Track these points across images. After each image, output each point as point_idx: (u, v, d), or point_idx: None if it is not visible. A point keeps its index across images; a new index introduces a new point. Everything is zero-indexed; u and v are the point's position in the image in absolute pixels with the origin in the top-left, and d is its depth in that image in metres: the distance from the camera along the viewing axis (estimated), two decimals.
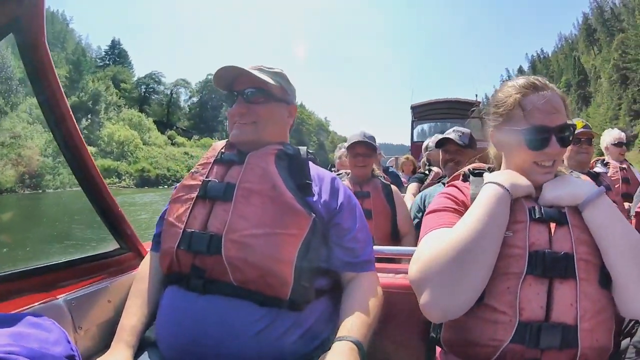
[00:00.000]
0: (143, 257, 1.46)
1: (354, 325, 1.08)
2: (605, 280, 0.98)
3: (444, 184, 2.58)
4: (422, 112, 12.83)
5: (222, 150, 1.37)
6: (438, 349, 1.22)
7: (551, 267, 0.97)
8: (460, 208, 1.14)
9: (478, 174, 1.25)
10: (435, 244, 1.01)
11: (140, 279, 1.35)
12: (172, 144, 73.29)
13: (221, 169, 1.31)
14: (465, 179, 1.28)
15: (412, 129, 12.86)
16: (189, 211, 1.22)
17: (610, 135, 4.17)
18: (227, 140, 1.43)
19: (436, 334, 1.16)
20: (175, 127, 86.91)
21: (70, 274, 1.34)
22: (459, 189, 1.23)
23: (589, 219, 1.03)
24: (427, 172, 3.87)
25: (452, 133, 2.57)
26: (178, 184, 1.37)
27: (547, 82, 1.12)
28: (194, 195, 1.25)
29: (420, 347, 1.40)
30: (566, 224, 1.03)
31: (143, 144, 61.89)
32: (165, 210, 1.35)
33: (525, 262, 0.97)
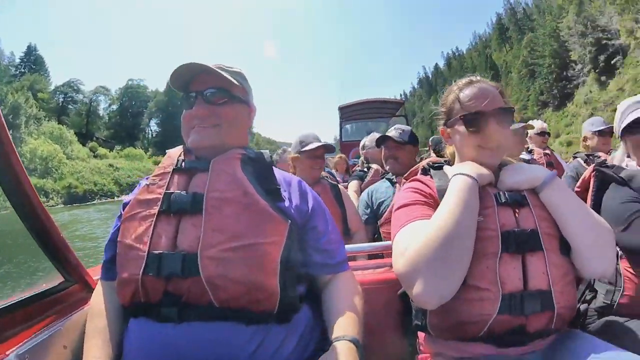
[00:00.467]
0: (92, 289, 1.30)
1: (347, 324, 1.07)
2: (565, 249, 1.14)
3: (389, 179, 2.75)
4: (349, 113, 13.34)
5: (180, 158, 1.27)
6: (422, 335, 1.29)
7: (522, 243, 1.10)
8: (429, 200, 1.21)
9: (438, 167, 1.34)
10: (419, 236, 1.06)
11: (96, 315, 1.16)
12: (95, 157, 69.05)
13: (183, 178, 1.21)
14: (425, 172, 1.35)
15: (341, 128, 13.45)
16: (151, 230, 1.09)
17: (534, 126, 4.67)
18: (182, 146, 1.34)
19: (421, 321, 1.20)
20: (95, 138, 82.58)
21: (14, 320, 1.09)
22: (423, 182, 1.28)
23: (547, 199, 1.19)
24: (366, 169, 4.07)
25: (392, 131, 2.68)
26: (127, 198, 1.24)
27: (481, 78, 1.28)
28: (155, 210, 1.12)
29: (399, 336, 1.46)
30: (527, 205, 1.18)
31: (67, 159, 57.80)
32: (116, 231, 1.20)
33: (499, 242, 1.09)
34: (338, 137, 13.70)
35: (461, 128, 1.25)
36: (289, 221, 1.13)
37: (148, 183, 1.21)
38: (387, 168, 2.73)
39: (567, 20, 65.56)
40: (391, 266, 1.43)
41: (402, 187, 1.36)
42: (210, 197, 1.12)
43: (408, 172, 1.48)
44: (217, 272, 1.02)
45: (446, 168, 1.32)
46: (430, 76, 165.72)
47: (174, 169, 1.23)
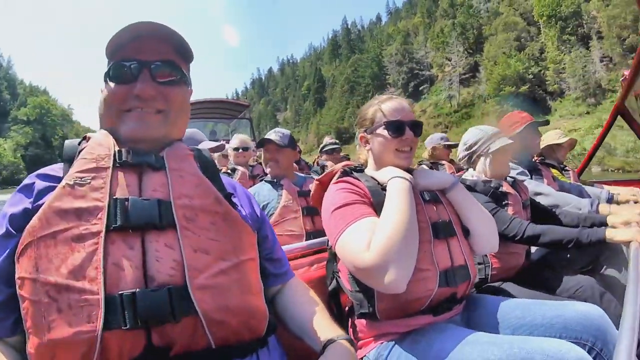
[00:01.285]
0: None
1: (329, 324, 1.02)
2: (466, 233, 1.42)
3: (269, 182, 2.64)
4: (191, 111, 11.49)
5: (116, 148, 0.90)
6: (361, 322, 1.34)
7: (444, 230, 1.33)
8: (365, 199, 1.30)
9: (359, 170, 1.46)
10: (381, 231, 1.14)
11: None
12: None
13: (131, 177, 0.87)
14: (346, 175, 1.42)
15: None
16: (100, 257, 0.74)
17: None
18: (104, 131, 0.95)
19: (367, 309, 1.27)
20: None
21: None
22: (352, 183, 1.35)
23: (453, 198, 1.44)
24: (231, 171, 3.94)
25: (272, 134, 2.63)
26: (10, 209, 0.82)
27: (397, 95, 1.48)
28: (98, 226, 0.77)
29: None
30: (441, 201, 1.42)
31: None
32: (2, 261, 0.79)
33: (430, 230, 1.29)
34: None
35: (384, 133, 1.39)
36: (255, 232, 1.00)
37: (70, 182, 0.80)
38: (267, 170, 2.67)
39: (390, 49, 76.45)
40: (321, 263, 1.67)
41: (329, 187, 1.42)
42: (179, 205, 0.85)
43: (323, 175, 1.55)
44: (215, 304, 0.80)
45: (368, 171, 1.47)
46: (263, 78, 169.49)
47: (113, 163, 0.86)
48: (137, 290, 0.73)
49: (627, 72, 2.45)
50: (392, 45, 79.28)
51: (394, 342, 1.27)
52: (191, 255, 0.80)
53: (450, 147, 4.22)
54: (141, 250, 0.77)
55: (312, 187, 2.01)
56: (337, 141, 5.09)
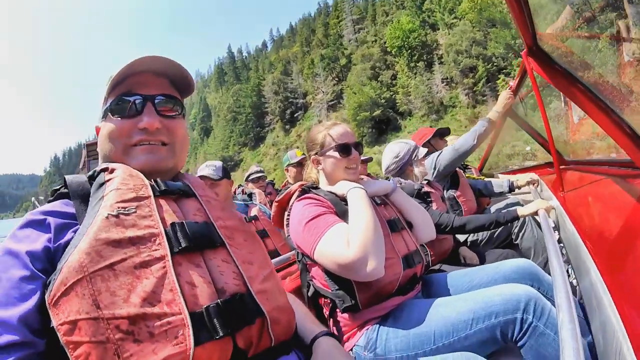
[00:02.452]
0: None
1: (312, 323, 1.09)
2: (409, 226, 1.69)
3: None
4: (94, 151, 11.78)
5: (150, 181, 0.91)
6: (345, 317, 1.49)
7: (393, 225, 1.57)
8: (331, 210, 1.46)
9: (315, 187, 1.62)
10: (355, 231, 1.31)
11: None
12: None
13: (172, 204, 0.90)
14: (305, 192, 1.57)
15: (88, 169, 10.88)
16: (173, 279, 0.75)
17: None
18: (121, 164, 0.92)
19: (350, 302, 1.41)
20: None
21: None
22: (315, 198, 1.50)
23: (395, 199, 1.72)
24: (248, 196, 3.92)
25: (205, 169, 2.63)
26: (32, 247, 0.75)
27: (339, 122, 1.68)
28: (159, 251, 0.77)
29: None
30: (389, 203, 1.71)
31: None
32: (36, 304, 0.71)
33: (387, 226, 1.54)
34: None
35: (335, 154, 1.59)
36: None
37: (113, 213, 0.79)
38: None
39: (269, 79, 78.14)
40: (291, 275, 1.87)
41: (294, 204, 1.56)
42: (219, 225, 0.92)
43: (283, 195, 1.69)
44: (271, 305, 0.87)
45: (324, 187, 1.64)
46: None
47: (153, 192, 0.88)
48: (219, 300, 0.77)
49: (512, 83, 2.83)
50: (273, 73, 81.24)
51: (378, 325, 1.43)
52: (244, 267, 0.87)
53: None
54: (205, 268, 0.81)
55: (256, 211, 2.78)
56: (262, 169, 5.06)
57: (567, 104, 3.12)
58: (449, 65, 45.50)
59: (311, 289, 1.60)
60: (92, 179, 0.90)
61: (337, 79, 64.35)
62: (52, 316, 0.69)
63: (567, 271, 1.16)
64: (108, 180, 0.87)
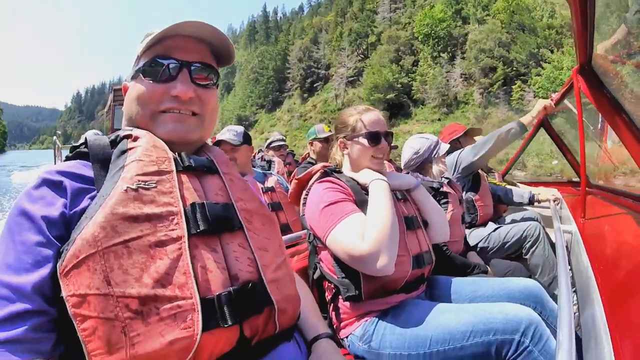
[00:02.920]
0: None
1: (315, 320, 1.09)
2: (425, 225, 1.68)
3: None
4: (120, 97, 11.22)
5: (175, 153, 0.88)
6: (346, 305, 1.50)
7: (411, 223, 1.57)
8: (350, 197, 1.47)
9: (338, 171, 1.63)
10: (372, 224, 1.32)
11: None
12: None
13: (194, 181, 0.87)
14: (327, 175, 1.59)
15: (113, 114, 11.52)
16: (188, 263, 0.74)
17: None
18: (144, 131, 0.90)
19: (354, 292, 1.43)
20: None
21: None
22: (337, 183, 1.51)
23: (416, 197, 1.71)
24: (267, 163, 4.05)
25: (226, 133, 2.58)
26: (46, 212, 0.73)
27: (373, 107, 1.67)
28: (177, 231, 0.76)
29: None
30: (408, 200, 1.69)
31: None
32: (49, 274, 0.70)
33: (404, 223, 1.53)
34: (109, 123, 11.79)
35: (364, 141, 1.58)
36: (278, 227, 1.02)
37: (132, 187, 0.76)
38: None
39: (296, 44, 78.10)
40: (300, 255, 1.89)
41: (313, 186, 1.56)
42: (240, 208, 0.89)
43: (304, 174, 1.67)
44: (281, 295, 0.87)
45: (347, 172, 1.64)
46: None
47: (176, 167, 0.85)
48: (232, 288, 0.77)
49: (554, 95, 2.90)
50: (303, 39, 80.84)
51: (377, 318, 1.43)
52: (259, 253, 0.86)
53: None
54: (222, 253, 0.80)
55: (273, 182, 2.73)
56: (284, 137, 5.02)
57: (604, 126, 2.97)
58: (470, 62, 45.53)
59: (317, 272, 1.59)
60: (114, 143, 0.88)
61: (362, 56, 64.08)
62: (62, 286, 0.68)
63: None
64: (131, 149, 0.83)
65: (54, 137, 8.78)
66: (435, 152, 2.41)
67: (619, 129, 1.77)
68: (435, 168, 2.43)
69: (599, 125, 3.05)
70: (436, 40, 51.44)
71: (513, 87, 39.74)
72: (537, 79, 36.13)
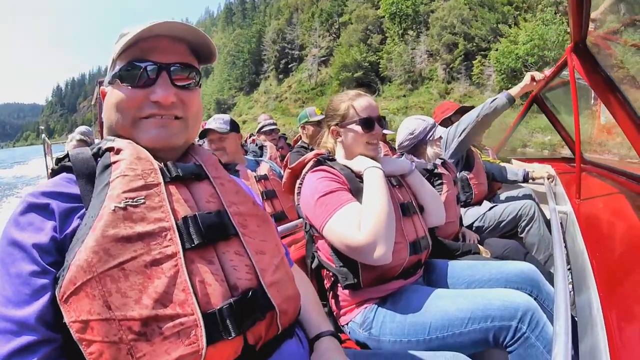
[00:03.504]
0: None
1: (319, 317, 1.09)
2: (421, 210, 1.68)
3: (225, 169, 2.04)
4: None
5: (160, 163, 0.85)
6: (345, 293, 1.52)
7: (406, 209, 1.57)
8: (344, 186, 1.45)
9: (331, 159, 1.60)
10: (368, 213, 1.31)
11: None
12: None
13: (183, 191, 0.84)
14: (320, 164, 1.56)
15: (101, 107, 9.57)
16: (185, 278, 0.72)
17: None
18: (126, 141, 0.85)
19: (353, 280, 1.43)
20: None
21: None
22: (331, 172, 1.48)
23: (411, 181, 1.70)
24: (259, 149, 4.04)
25: (213, 122, 2.56)
26: (38, 239, 0.70)
27: (366, 92, 1.63)
28: (172, 247, 0.74)
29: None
30: (403, 185, 1.68)
31: None
32: (48, 301, 0.68)
33: (399, 209, 1.53)
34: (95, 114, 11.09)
35: (357, 128, 1.54)
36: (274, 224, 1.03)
37: (120, 205, 0.73)
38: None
39: (272, 26, 78.69)
40: (297, 244, 1.90)
41: (307, 175, 1.54)
42: (233, 213, 0.87)
43: (297, 163, 1.65)
44: (281, 297, 0.86)
45: (340, 160, 1.61)
46: None
47: (164, 178, 0.82)
48: (232, 300, 0.75)
49: (547, 72, 2.79)
50: (279, 20, 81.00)
51: (376, 306, 1.45)
52: (256, 258, 0.84)
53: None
54: (218, 264, 0.79)
55: (266, 170, 2.59)
56: (275, 121, 4.94)
57: (597, 102, 2.96)
58: (433, 39, 46.93)
59: (315, 261, 1.59)
60: (97, 156, 0.84)
61: (334, 35, 65.10)
62: (64, 312, 0.67)
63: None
64: (114, 163, 0.80)
65: (42, 135, 8.99)
66: (430, 134, 2.40)
67: (612, 107, 1.77)
68: (430, 150, 2.42)
69: (592, 100, 3.04)
70: (403, 17, 52.45)
71: (474, 62, 41.14)
72: (494, 53, 37.53)
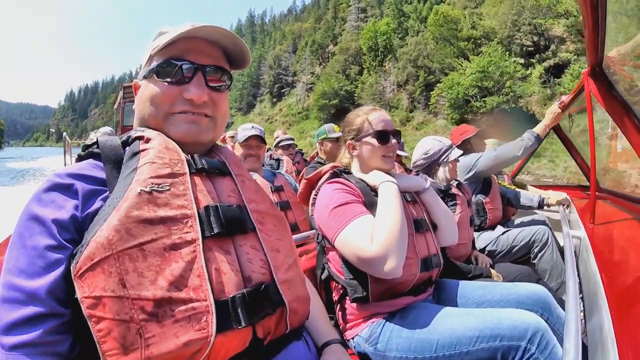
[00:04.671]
0: None
1: (327, 326, 1.13)
2: (434, 228, 1.68)
3: None
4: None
5: (187, 155, 0.90)
6: (353, 306, 1.52)
7: (419, 225, 1.57)
8: (359, 199, 1.47)
9: (347, 172, 1.63)
10: (381, 227, 1.32)
11: None
12: None
13: (207, 183, 0.89)
14: (336, 176, 1.59)
15: (123, 111, 11.81)
16: (202, 266, 0.75)
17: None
18: (156, 132, 0.90)
19: (361, 293, 1.44)
20: None
21: None
22: (346, 185, 1.51)
23: (426, 199, 1.70)
24: (275, 161, 4.25)
25: (253, 130, 2.61)
26: (60, 215, 0.73)
27: (379, 107, 1.70)
28: (192, 234, 0.77)
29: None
30: (418, 202, 1.69)
31: None
32: (60, 276, 0.71)
33: (412, 225, 1.53)
34: (117, 120, 11.91)
35: (372, 141, 1.57)
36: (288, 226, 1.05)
37: (146, 189, 0.77)
38: (245, 165, 2.33)
39: (271, 52, 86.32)
40: (308, 254, 1.93)
41: (323, 186, 1.56)
42: (252, 209, 0.92)
43: (314, 174, 1.68)
44: (292, 295, 0.89)
45: (356, 173, 1.64)
46: None
47: (190, 169, 0.86)
48: (245, 290, 0.78)
49: (564, 98, 2.83)
50: (282, 45, 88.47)
51: (384, 320, 1.44)
52: (272, 255, 0.87)
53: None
54: (235, 255, 0.82)
55: (282, 182, 2.63)
56: (292, 136, 5.14)
57: (614, 129, 2.95)
58: (399, 70, 52.86)
59: (325, 273, 1.59)
60: (125, 144, 0.89)
61: (324, 64, 71.32)
62: (76, 288, 0.69)
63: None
64: (143, 150, 0.84)
65: (64, 134, 9.36)
66: (445, 156, 2.39)
67: (629, 132, 1.72)
68: (441, 171, 2.41)
69: (609, 128, 3.05)
70: (377, 51, 58.41)
71: (431, 92, 46.48)
72: (442, 85, 42.41)
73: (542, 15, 38.26)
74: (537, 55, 37.98)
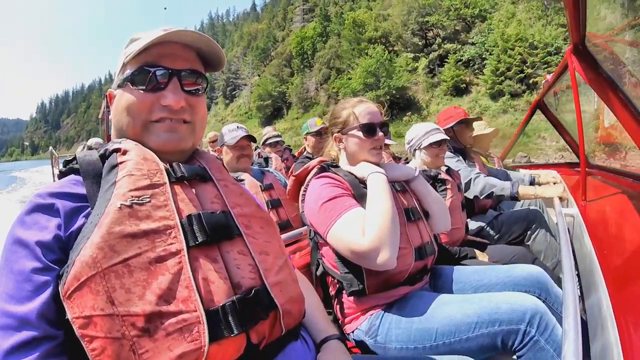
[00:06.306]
0: None
1: (325, 323, 1.12)
2: (426, 216, 1.67)
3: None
4: None
5: (166, 164, 0.88)
6: (350, 300, 1.51)
7: (410, 215, 1.56)
8: (348, 192, 1.45)
9: (335, 166, 1.62)
10: (372, 219, 1.31)
11: None
12: None
13: (188, 191, 0.87)
14: (324, 170, 1.58)
15: (107, 121, 12.65)
16: (189, 277, 0.74)
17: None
18: (133, 143, 0.89)
19: (358, 287, 1.42)
20: None
21: None
22: (334, 178, 1.49)
23: (415, 188, 1.69)
24: (264, 160, 4.28)
25: (239, 130, 2.59)
26: (41, 236, 0.73)
27: (366, 99, 1.66)
28: (176, 245, 0.76)
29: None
30: (407, 190, 1.67)
31: None
32: (49, 298, 0.70)
33: (404, 215, 1.53)
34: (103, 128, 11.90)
35: (359, 134, 1.55)
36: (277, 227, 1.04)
37: (126, 203, 0.75)
38: (234, 165, 2.57)
39: (231, 54, 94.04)
40: (301, 251, 1.89)
41: (311, 182, 1.55)
42: (237, 214, 0.90)
43: (301, 170, 1.67)
44: (284, 297, 0.88)
45: (344, 167, 1.63)
46: None
47: (169, 178, 0.84)
48: (235, 297, 0.77)
49: (549, 76, 2.90)
50: (239, 45, 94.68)
51: (382, 312, 1.43)
52: (260, 258, 0.86)
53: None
54: (222, 263, 0.80)
55: (271, 179, 2.59)
56: (279, 133, 5.04)
57: (600, 105, 2.97)
58: (317, 72, 61.57)
59: (320, 268, 1.59)
60: (104, 157, 0.87)
61: (265, 68, 79.26)
62: (66, 309, 0.68)
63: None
64: (121, 163, 0.82)
65: (50, 148, 9.32)
66: (419, 141, 2.42)
67: (615, 108, 1.72)
68: (417, 157, 2.46)
69: (595, 104, 3.05)
70: (304, 54, 66.76)
71: (339, 89, 54.55)
72: (337, 84, 50.95)
73: (428, 13, 46.78)
74: (425, 49, 47.17)
